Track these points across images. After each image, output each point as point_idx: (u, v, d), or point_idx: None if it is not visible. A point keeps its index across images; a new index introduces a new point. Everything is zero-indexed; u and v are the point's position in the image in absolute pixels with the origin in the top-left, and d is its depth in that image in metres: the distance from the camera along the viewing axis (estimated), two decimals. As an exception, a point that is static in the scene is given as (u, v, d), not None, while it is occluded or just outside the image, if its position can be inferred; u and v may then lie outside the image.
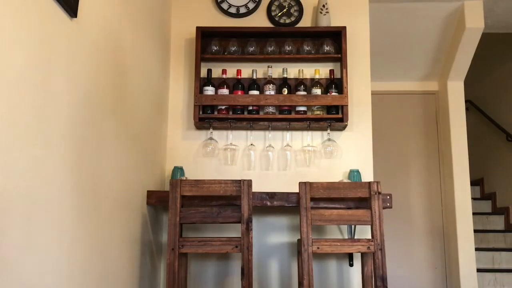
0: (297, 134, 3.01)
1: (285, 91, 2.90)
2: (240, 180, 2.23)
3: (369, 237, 2.30)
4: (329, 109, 2.92)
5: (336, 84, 2.93)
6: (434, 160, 4.49)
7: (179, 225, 2.21)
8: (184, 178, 2.72)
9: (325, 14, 3.01)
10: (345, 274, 2.86)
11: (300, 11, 3.10)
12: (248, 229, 2.19)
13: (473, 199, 4.67)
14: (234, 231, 2.82)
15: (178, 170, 2.78)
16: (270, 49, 2.98)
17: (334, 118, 2.87)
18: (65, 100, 1.55)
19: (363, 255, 2.55)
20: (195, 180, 2.25)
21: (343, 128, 2.94)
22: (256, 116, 2.89)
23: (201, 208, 2.26)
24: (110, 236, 1.96)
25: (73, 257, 1.61)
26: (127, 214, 2.18)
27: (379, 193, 2.25)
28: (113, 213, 2.00)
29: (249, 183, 2.23)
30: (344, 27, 2.94)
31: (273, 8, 3.12)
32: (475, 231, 4.17)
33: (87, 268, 1.73)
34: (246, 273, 2.12)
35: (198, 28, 2.96)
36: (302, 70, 2.97)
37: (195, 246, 2.20)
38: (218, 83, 2.95)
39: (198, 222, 2.24)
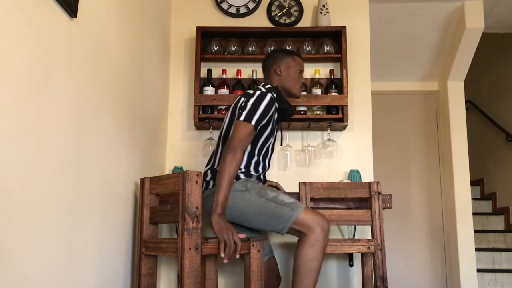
0: (297, 134, 3.00)
1: (285, 91, 2.90)
2: (184, 172, 1.88)
3: (369, 237, 2.29)
4: (329, 109, 2.92)
5: (336, 84, 2.93)
6: (434, 160, 4.49)
7: (148, 224, 2.14)
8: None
9: (325, 14, 3.01)
10: (345, 274, 2.86)
11: (300, 11, 3.10)
12: (183, 229, 1.82)
13: (473, 199, 4.67)
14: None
15: (178, 170, 2.78)
16: (270, 49, 2.98)
17: (334, 118, 2.86)
18: (65, 100, 1.55)
19: (363, 255, 2.54)
20: (157, 176, 2.14)
21: (343, 128, 2.94)
22: (256, 116, 2.88)
23: (161, 207, 2.12)
24: (110, 235, 1.96)
25: (72, 256, 1.61)
26: (126, 214, 2.18)
27: (379, 193, 2.25)
28: (113, 213, 2.00)
29: (190, 175, 1.87)
30: (344, 27, 2.94)
31: (273, 8, 3.12)
32: (475, 231, 4.16)
33: (86, 267, 1.73)
34: (181, 281, 1.79)
35: (198, 28, 2.95)
36: (302, 70, 2.97)
37: (150, 249, 2.09)
38: (218, 83, 2.94)
39: (159, 222, 2.12)
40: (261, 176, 2.25)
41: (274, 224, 2.06)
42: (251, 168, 2.17)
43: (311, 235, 2.00)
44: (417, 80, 4.54)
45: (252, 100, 2.10)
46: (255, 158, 2.18)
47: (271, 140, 2.24)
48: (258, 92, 2.13)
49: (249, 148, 2.16)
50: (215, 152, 2.23)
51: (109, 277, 1.96)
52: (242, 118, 2.05)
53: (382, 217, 2.23)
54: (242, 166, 2.14)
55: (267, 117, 2.11)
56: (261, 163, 2.21)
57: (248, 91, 2.20)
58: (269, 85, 2.25)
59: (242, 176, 2.13)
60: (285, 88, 2.28)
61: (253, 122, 2.05)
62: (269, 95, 2.12)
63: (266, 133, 2.18)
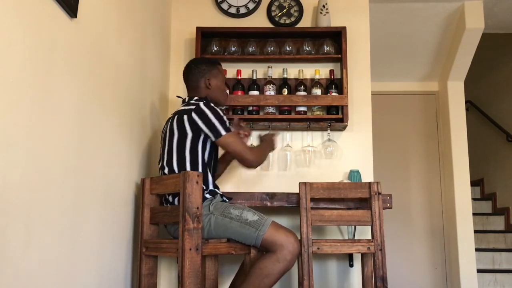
0: (297, 134, 3.00)
1: (285, 91, 2.90)
2: (185, 173, 1.90)
3: (369, 237, 2.29)
4: (329, 109, 2.92)
5: (336, 84, 2.92)
6: (434, 160, 4.49)
7: (149, 225, 2.15)
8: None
9: (325, 15, 3.01)
10: (345, 274, 2.86)
11: (300, 11, 3.10)
12: (184, 230, 1.85)
13: (473, 199, 4.67)
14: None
15: (178, 171, 2.78)
16: (270, 49, 2.98)
17: (334, 118, 2.86)
18: (65, 100, 1.55)
19: (363, 255, 2.54)
20: (158, 176, 2.15)
21: (343, 128, 2.94)
22: (256, 116, 2.88)
23: (161, 207, 2.13)
24: (110, 235, 1.96)
25: (72, 256, 1.61)
26: (127, 214, 2.18)
27: (379, 193, 2.25)
28: (114, 213, 2.00)
29: (191, 176, 1.89)
30: (344, 27, 2.94)
31: (273, 8, 3.11)
32: (475, 231, 4.16)
33: (86, 267, 1.73)
34: (182, 281, 1.81)
35: (198, 28, 2.95)
36: (302, 70, 2.97)
37: (150, 249, 2.10)
38: (218, 83, 2.94)
39: (159, 222, 2.13)
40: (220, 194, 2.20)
41: (245, 243, 2.05)
42: (212, 185, 2.15)
43: (279, 254, 1.96)
44: (417, 80, 4.54)
45: (209, 113, 2.10)
46: (210, 174, 2.16)
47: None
48: (202, 104, 2.12)
49: (200, 163, 2.12)
50: (166, 160, 2.16)
51: (109, 277, 1.95)
52: (223, 133, 2.09)
53: (382, 217, 2.23)
54: (205, 186, 2.10)
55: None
56: (212, 175, 2.19)
57: (186, 107, 2.15)
58: (197, 97, 2.23)
59: (208, 195, 2.10)
60: (212, 99, 2.27)
61: (231, 128, 2.15)
62: (211, 104, 2.16)
63: (209, 144, 2.17)
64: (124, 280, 2.14)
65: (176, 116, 2.17)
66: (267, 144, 2.38)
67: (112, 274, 2.00)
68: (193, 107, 2.12)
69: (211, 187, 2.14)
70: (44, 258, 1.42)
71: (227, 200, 2.18)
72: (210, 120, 2.09)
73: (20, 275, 1.28)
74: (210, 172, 2.17)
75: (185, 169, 2.10)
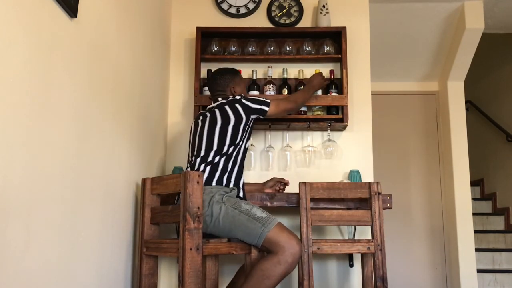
0: (297, 134, 3.00)
1: (285, 91, 2.90)
2: (185, 173, 1.91)
3: (369, 237, 2.29)
4: (329, 109, 2.92)
5: (336, 84, 2.92)
6: (434, 160, 4.48)
7: (149, 225, 2.15)
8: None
9: (325, 15, 3.01)
10: (345, 274, 2.86)
11: (300, 11, 3.10)
12: (184, 230, 1.84)
13: (473, 199, 4.66)
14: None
15: (178, 171, 2.78)
16: (270, 49, 2.98)
17: (334, 118, 2.86)
18: (65, 100, 1.55)
19: (363, 255, 2.54)
20: (159, 177, 2.16)
21: (343, 128, 2.94)
22: (256, 116, 2.88)
23: (162, 207, 2.13)
24: (110, 236, 1.96)
25: (73, 257, 1.61)
26: (127, 215, 2.18)
27: (379, 193, 2.25)
28: (114, 213, 2.00)
29: (192, 176, 1.89)
30: (344, 28, 2.94)
31: (273, 8, 3.11)
32: (475, 231, 4.16)
33: (86, 267, 1.73)
34: (182, 281, 1.81)
35: (198, 28, 2.95)
36: (302, 70, 2.97)
37: (151, 249, 2.10)
38: (218, 83, 2.94)
39: (160, 222, 2.13)
40: (241, 190, 2.27)
41: (248, 239, 2.05)
42: (234, 182, 2.22)
43: (280, 255, 1.97)
44: (417, 80, 4.54)
45: (252, 97, 2.39)
46: (237, 170, 2.24)
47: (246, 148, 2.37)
48: (243, 95, 2.38)
49: (241, 149, 2.26)
50: (196, 153, 2.27)
51: (109, 277, 1.95)
52: (269, 101, 2.37)
53: (382, 217, 2.23)
54: (232, 178, 2.22)
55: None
56: (240, 174, 2.27)
57: (229, 100, 2.34)
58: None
59: (225, 182, 2.18)
60: None
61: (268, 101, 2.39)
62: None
63: (245, 140, 2.31)
64: (124, 280, 2.14)
65: (223, 107, 2.29)
66: (310, 85, 2.68)
67: (112, 274, 2.00)
68: (239, 97, 2.35)
69: (232, 183, 2.21)
70: (44, 258, 1.42)
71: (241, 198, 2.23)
72: (257, 100, 2.36)
73: (20, 275, 1.28)
74: (238, 166, 2.25)
75: (229, 145, 2.24)
